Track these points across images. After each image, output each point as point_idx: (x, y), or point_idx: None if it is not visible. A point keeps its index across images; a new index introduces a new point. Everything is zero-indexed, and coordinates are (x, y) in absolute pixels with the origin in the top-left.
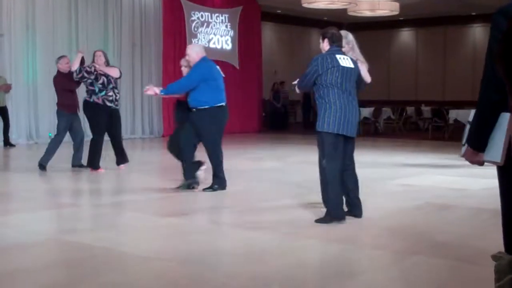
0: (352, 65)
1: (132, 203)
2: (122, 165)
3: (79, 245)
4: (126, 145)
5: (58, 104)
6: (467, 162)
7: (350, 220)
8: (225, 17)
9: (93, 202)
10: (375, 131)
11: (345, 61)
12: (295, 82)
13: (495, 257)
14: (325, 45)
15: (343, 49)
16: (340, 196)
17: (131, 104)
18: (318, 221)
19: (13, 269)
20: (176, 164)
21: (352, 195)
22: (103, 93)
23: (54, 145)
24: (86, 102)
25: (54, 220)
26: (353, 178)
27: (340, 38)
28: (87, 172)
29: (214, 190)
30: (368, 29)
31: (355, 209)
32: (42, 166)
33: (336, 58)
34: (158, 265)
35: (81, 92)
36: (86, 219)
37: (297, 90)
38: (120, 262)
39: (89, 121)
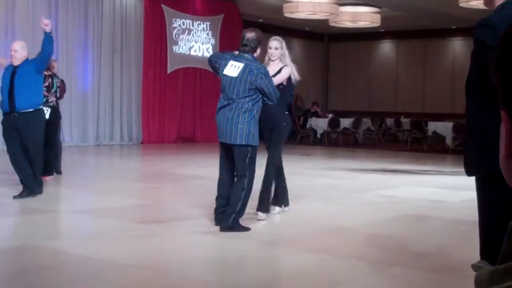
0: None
1: (110, 210)
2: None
3: (54, 252)
4: (104, 151)
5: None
6: (445, 174)
7: (328, 230)
8: (206, 25)
9: (70, 209)
10: (355, 142)
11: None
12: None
13: (475, 267)
14: None
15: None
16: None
17: (110, 110)
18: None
19: None
20: (156, 171)
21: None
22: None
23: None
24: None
25: (30, 226)
26: (233, 189)
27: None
28: (63, 178)
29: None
30: (349, 40)
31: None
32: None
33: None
34: (135, 273)
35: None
36: (62, 226)
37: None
38: (96, 270)
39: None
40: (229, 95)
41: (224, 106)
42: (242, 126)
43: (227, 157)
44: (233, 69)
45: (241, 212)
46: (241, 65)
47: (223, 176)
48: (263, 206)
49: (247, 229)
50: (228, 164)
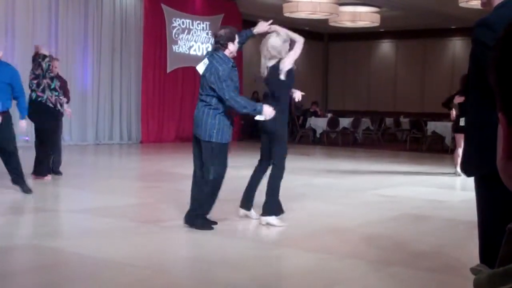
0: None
1: (109, 209)
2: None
3: (54, 251)
4: (103, 150)
5: None
6: (444, 174)
7: (328, 230)
8: (206, 24)
9: (69, 208)
10: (354, 142)
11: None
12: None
13: (474, 270)
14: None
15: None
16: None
17: (109, 110)
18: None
19: None
20: (155, 170)
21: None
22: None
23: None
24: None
25: (29, 225)
26: (199, 184)
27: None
28: (63, 177)
29: None
30: (349, 40)
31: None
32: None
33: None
34: (134, 272)
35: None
36: (62, 225)
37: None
38: (96, 269)
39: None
40: (199, 90)
41: (198, 100)
42: (208, 122)
43: (197, 149)
44: (202, 66)
45: (204, 207)
46: (208, 63)
47: (195, 175)
48: (275, 210)
49: (210, 228)
50: (199, 158)
